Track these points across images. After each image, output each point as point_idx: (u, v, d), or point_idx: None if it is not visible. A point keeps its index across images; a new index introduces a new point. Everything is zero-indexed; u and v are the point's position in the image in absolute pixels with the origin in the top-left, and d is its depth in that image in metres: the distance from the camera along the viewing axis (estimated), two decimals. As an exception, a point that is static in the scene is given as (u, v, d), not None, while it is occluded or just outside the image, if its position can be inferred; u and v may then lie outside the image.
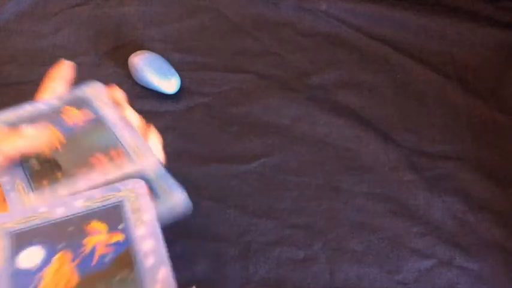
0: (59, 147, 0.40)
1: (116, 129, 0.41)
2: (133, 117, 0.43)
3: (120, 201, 0.37)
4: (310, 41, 0.88)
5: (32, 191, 0.37)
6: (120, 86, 0.79)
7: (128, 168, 0.38)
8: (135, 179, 0.38)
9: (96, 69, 0.82)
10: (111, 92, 0.45)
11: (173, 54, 0.84)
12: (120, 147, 0.40)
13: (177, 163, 0.73)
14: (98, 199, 0.37)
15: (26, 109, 0.43)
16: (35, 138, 0.39)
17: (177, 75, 0.79)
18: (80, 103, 0.44)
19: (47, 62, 0.83)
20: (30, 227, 0.35)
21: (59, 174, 0.38)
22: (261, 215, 0.69)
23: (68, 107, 0.43)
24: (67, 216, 0.35)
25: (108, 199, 0.37)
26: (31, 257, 0.34)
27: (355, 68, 0.85)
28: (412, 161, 0.74)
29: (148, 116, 0.78)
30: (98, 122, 0.42)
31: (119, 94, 0.45)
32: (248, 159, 0.74)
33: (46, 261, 0.33)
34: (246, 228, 0.68)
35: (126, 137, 0.41)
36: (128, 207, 0.36)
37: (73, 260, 0.33)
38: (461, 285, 0.65)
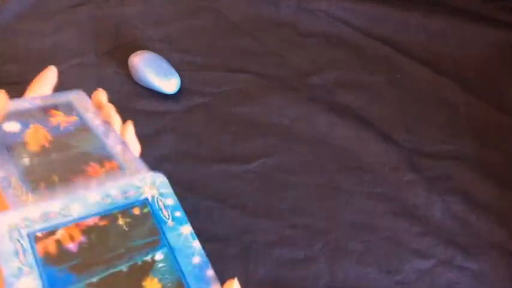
0: (46, 144, 0.40)
1: (106, 141, 0.41)
2: (117, 121, 0.43)
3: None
4: (310, 41, 0.88)
5: (30, 191, 0.36)
6: (120, 86, 0.80)
7: (124, 182, 0.37)
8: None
9: (96, 69, 0.82)
10: (95, 95, 0.45)
11: (173, 54, 0.84)
12: (114, 160, 0.39)
13: (177, 163, 0.73)
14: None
15: (11, 104, 0.44)
16: None
17: (177, 75, 0.79)
18: (65, 107, 0.44)
19: (47, 62, 0.83)
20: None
21: (55, 178, 0.37)
22: (261, 215, 0.69)
23: (53, 110, 0.44)
24: None
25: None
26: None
27: (355, 68, 0.85)
28: (412, 161, 0.74)
29: (148, 116, 0.78)
30: (84, 129, 0.42)
31: (103, 97, 0.44)
32: (248, 159, 0.74)
33: None
34: (246, 228, 0.68)
35: (117, 149, 0.41)
36: None
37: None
38: (461, 285, 0.65)
